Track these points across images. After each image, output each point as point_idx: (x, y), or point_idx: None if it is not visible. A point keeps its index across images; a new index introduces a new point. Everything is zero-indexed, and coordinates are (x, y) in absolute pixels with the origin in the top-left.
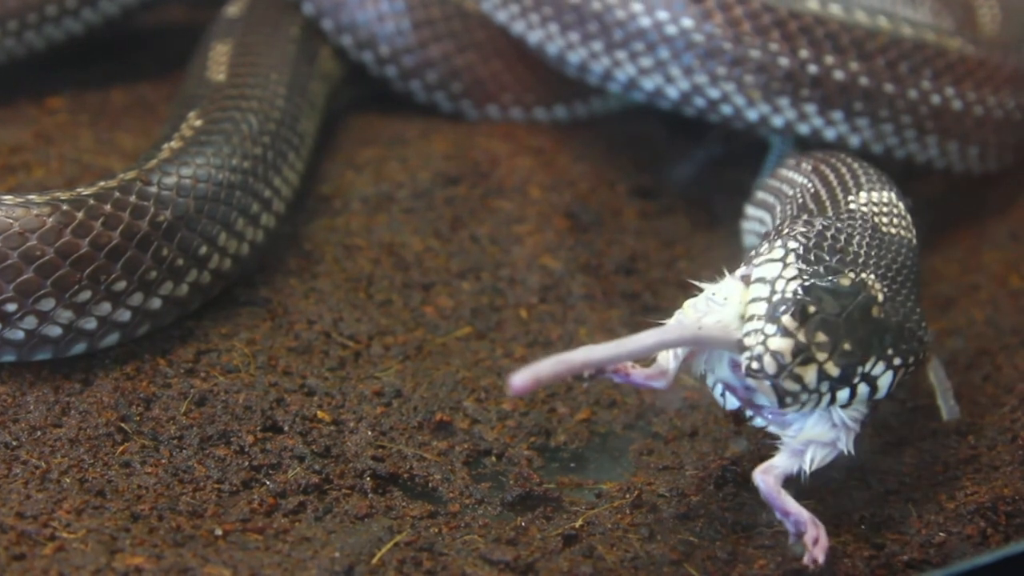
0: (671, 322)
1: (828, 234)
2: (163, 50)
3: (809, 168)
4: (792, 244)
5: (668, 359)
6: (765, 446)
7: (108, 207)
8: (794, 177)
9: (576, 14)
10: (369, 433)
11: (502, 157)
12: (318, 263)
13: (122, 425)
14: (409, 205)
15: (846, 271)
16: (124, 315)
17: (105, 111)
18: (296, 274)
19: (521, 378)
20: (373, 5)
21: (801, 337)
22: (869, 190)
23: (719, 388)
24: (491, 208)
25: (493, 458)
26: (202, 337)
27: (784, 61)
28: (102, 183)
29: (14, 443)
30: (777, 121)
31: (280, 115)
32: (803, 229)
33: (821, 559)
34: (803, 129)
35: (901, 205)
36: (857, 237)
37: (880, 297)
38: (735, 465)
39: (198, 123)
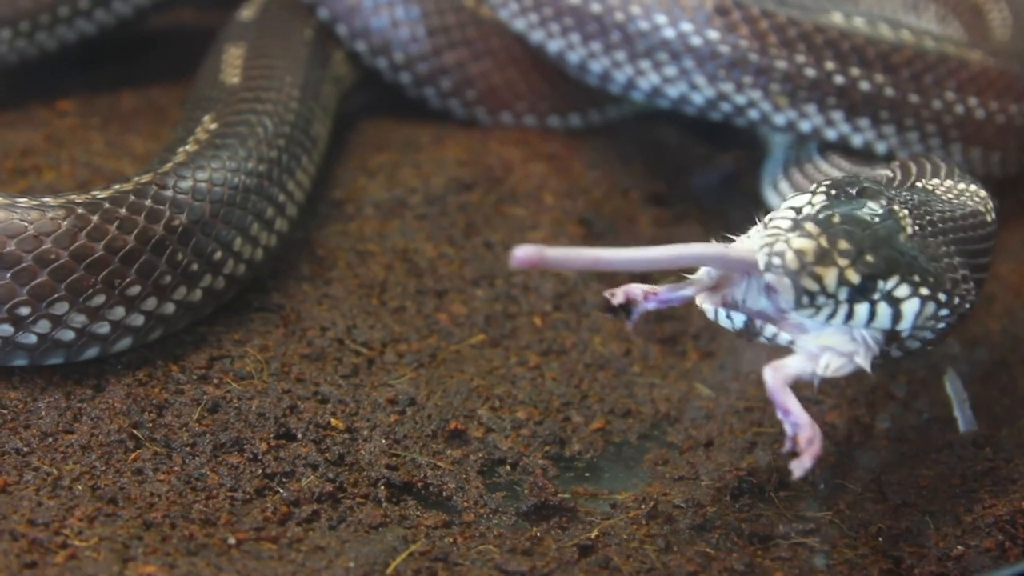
0: None
1: (863, 177)
2: (174, 53)
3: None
4: (825, 181)
5: (701, 274)
6: (781, 457)
7: (123, 211)
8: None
9: (598, 24)
10: (383, 441)
11: (516, 163)
12: (331, 269)
13: (134, 432)
14: (422, 211)
15: (878, 199)
16: (137, 320)
17: (116, 114)
18: (309, 280)
19: (526, 252)
20: (388, 11)
21: (824, 242)
22: (944, 179)
23: (723, 312)
24: (505, 215)
25: (508, 467)
26: (215, 343)
27: (811, 72)
28: (117, 186)
29: (25, 449)
30: (805, 126)
31: (294, 118)
32: (841, 176)
33: (808, 464)
34: (831, 134)
35: (983, 192)
36: (899, 187)
37: (909, 230)
38: (751, 476)
39: (213, 126)
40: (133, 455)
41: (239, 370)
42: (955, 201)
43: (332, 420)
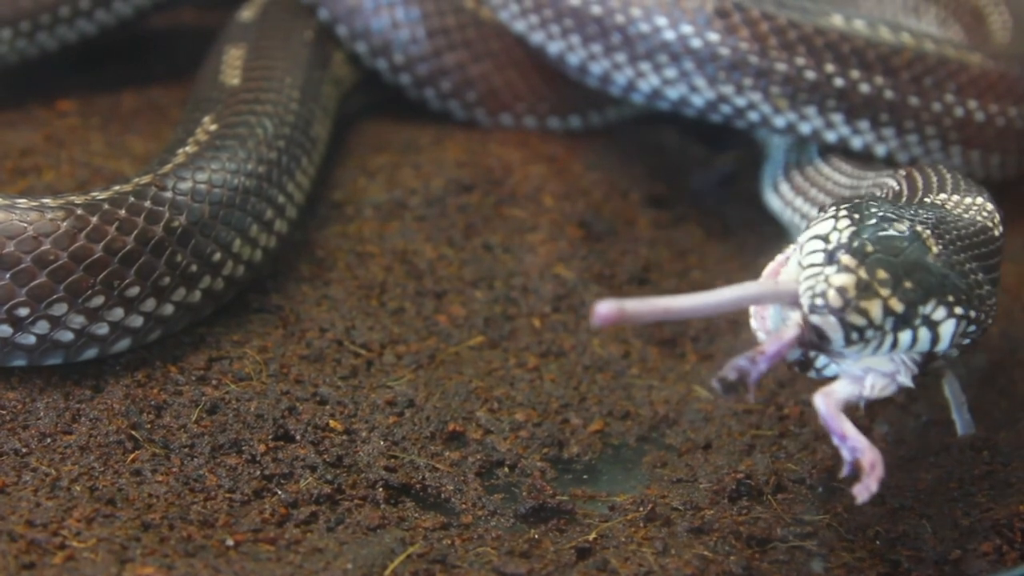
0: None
1: (884, 199)
2: (174, 53)
3: (903, 174)
4: (844, 205)
5: (787, 317)
6: (779, 459)
7: (123, 212)
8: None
9: (599, 26)
10: (381, 443)
11: (515, 165)
12: (330, 270)
13: (133, 433)
14: (422, 212)
15: (901, 220)
16: (136, 321)
17: (116, 114)
18: (308, 281)
19: (607, 308)
20: (388, 12)
21: (863, 273)
22: (952, 193)
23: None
24: (504, 216)
25: (506, 469)
26: (214, 344)
27: (811, 74)
28: (116, 187)
29: (24, 450)
30: (804, 128)
31: (294, 119)
32: (857, 196)
33: (874, 488)
34: (830, 136)
35: (990, 206)
36: (915, 205)
37: (935, 249)
38: (749, 479)
39: (213, 127)
40: (131, 456)
41: (238, 371)
42: (966, 217)
43: (331, 422)
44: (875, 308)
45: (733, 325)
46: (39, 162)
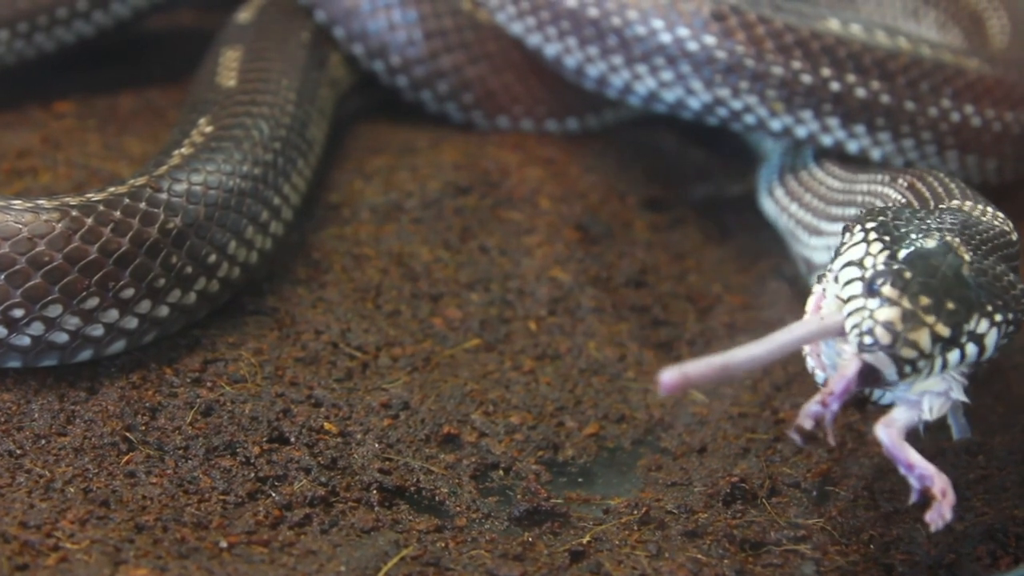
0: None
1: (906, 209)
2: (172, 54)
3: (904, 184)
4: (870, 224)
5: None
6: (774, 463)
7: (118, 213)
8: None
9: (595, 29)
10: (376, 445)
11: (512, 167)
12: (326, 272)
13: (127, 434)
14: (418, 215)
15: (931, 233)
16: (131, 322)
17: (113, 116)
18: (304, 283)
19: (671, 376)
20: (385, 14)
21: (906, 304)
22: (963, 199)
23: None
24: (501, 219)
25: (500, 472)
26: (209, 346)
27: (807, 78)
28: (112, 189)
29: (18, 451)
30: (801, 132)
31: (290, 121)
32: (880, 211)
33: (948, 515)
34: (826, 140)
35: (999, 213)
36: (937, 212)
37: (967, 257)
38: (744, 482)
39: (209, 129)
40: (126, 458)
41: (233, 373)
42: (984, 220)
43: (325, 424)
44: (924, 338)
45: (728, 328)
46: (36, 164)
